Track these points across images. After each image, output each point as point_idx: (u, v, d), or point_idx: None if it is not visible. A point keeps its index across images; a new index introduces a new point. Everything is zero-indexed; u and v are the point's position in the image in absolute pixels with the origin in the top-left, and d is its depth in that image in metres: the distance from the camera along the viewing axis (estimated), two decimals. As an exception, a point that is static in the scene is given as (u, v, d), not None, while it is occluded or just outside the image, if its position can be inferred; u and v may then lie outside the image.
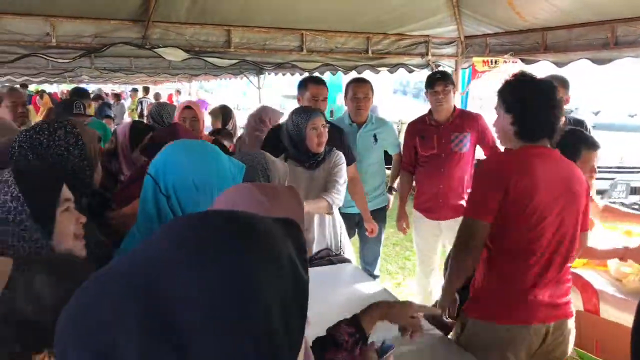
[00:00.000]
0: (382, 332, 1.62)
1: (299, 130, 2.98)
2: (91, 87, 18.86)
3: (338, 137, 3.41)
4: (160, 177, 1.47)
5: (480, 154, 3.93)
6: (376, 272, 4.08)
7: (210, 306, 0.49)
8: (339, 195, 3.02)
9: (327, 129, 3.02)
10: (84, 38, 3.98)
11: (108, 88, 19.71)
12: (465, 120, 3.77)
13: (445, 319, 2.28)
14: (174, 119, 3.67)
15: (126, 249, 1.50)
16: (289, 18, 4.67)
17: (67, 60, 4.15)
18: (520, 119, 2.10)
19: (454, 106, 3.84)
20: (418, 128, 3.93)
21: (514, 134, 2.14)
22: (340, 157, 3.14)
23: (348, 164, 3.26)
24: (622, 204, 5.37)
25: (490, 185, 2.09)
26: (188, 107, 3.72)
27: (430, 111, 3.86)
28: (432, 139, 3.76)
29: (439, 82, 3.71)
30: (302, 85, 3.70)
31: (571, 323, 2.19)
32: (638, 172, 6.41)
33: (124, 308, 0.48)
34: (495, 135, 3.70)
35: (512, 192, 2.02)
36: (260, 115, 4.23)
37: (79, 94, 5.53)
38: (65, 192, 1.36)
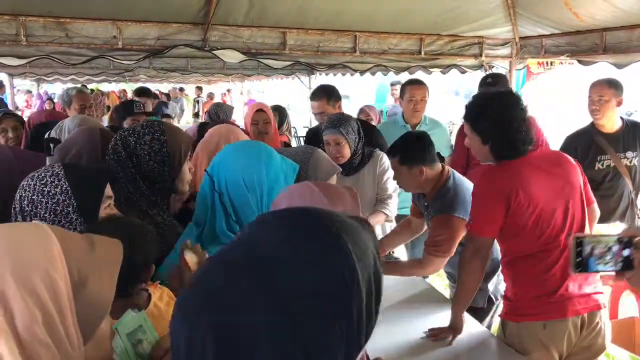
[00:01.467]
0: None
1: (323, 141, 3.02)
2: (149, 86, 19.46)
3: (370, 137, 3.33)
4: (214, 175, 1.58)
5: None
6: None
7: (322, 298, 0.57)
8: (394, 205, 3.05)
9: (343, 145, 2.90)
10: (147, 40, 4.19)
11: (164, 87, 20.29)
12: None
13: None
14: (245, 124, 3.75)
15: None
16: (342, 20, 4.75)
17: (132, 62, 4.36)
18: (494, 145, 2.14)
19: None
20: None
21: (493, 156, 2.18)
22: (386, 159, 3.03)
23: None
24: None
25: (491, 202, 2.11)
26: (260, 110, 3.66)
27: None
28: None
29: (487, 87, 3.73)
30: (402, 87, 3.91)
31: (605, 316, 2.18)
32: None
33: (253, 300, 0.55)
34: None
35: (513, 205, 2.06)
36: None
37: (143, 93, 5.73)
38: (108, 190, 1.47)
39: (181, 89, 16.37)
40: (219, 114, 4.02)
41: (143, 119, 3.90)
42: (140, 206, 1.71)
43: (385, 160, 3.07)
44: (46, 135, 2.62)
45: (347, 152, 2.95)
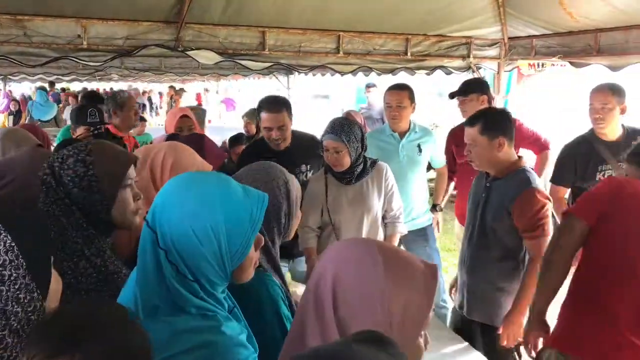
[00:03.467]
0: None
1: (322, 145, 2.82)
2: (121, 85, 19.02)
3: (313, 145, 3.17)
4: (157, 227, 1.15)
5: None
6: (440, 301, 3.61)
7: None
8: (403, 222, 2.99)
9: (342, 154, 2.71)
10: (115, 40, 3.88)
11: (140, 87, 19.81)
12: None
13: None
14: (169, 129, 3.55)
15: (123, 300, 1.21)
16: (325, 19, 4.49)
17: (98, 63, 4.03)
18: None
19: None
20: (456, 135, 3.73)
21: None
22: (389, 172, 2.94)
23: None
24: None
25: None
26: (185, 116, 3.59)
27: None
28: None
29: (458, 93, 3.66)
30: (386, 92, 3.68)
31: None
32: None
33: None
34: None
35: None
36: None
37: (91, 99, 5.16)
38: (131, 171, 1.50)
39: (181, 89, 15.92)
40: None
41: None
42: (76, 244, 1.40)
43: (390, 174, 2.93)
44: None
45: (346, 162, 2.74)
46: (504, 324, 2.50)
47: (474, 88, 3.74)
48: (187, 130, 3.48)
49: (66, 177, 1.43)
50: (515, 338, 2.49)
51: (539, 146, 3.72)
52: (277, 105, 3.06)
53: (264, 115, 3.06)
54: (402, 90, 3.61)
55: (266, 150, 3.08)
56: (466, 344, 2.30)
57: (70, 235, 1.40)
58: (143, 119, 8.23)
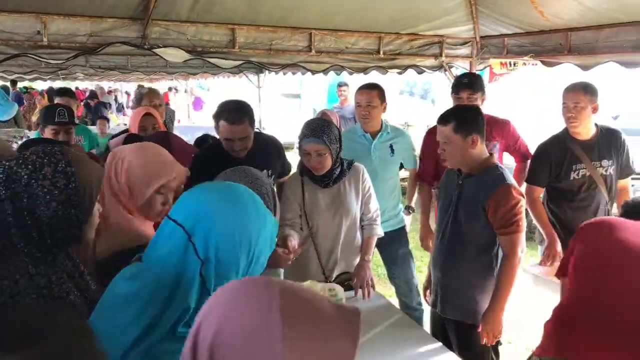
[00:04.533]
0: None
1: (299, 149, 2.70)
2: (86, 84, 18.58)
3: (274, 148, 3.15)
4: (198, 234, 1.07)
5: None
6: (415, 304, 3.62)
7: None
8: (380, 223, 2.91)
9: (325, 157, 2.62)
10: (78, 37, 3.70)
11: (107, 86, 19.36)
12: (494, 127, 3.44)
13: None
14: (133, 128, 3.44)
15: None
16: (296, 16, 4.39)
17: (60, 61, 3.85)
18: None
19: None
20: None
21: None
22: (366, 174, 2.87)
23: (285, 174, 3.22)
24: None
25: None
26: (148, 114, 3.46)
27: None
28: None
29: (464, 89, 3.38)
30: (356, 91, 3.58)
31: None
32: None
33: None
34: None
35: None
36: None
37: (62, 95, 4.92)
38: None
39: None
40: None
41: (67, 129, 3.44)
42: (22, 261, 1.27)
43: (367, 175, 2.86)
44: None
45: (328, 164, 2.66)
46: (483, 322, 2.50)
47: (480, 85, 3.51)
48: (152, 129, 3.35)
49: (40, 188, 1.28)
50: (495, 336, 2.50)
51: (522, 155, 3.62)
52: (239, 115, 2.75)
53: (224, 125, 2.75)
54: (372, 90, 3.54)
55: (224, 156, 2.79)
56: (440, 344, 2.26)
57: (18, 251, 1.27)
58: (106, 119, 8.01)
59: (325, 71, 5.06)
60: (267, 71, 8.82)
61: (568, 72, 4.40)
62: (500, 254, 2.54)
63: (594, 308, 2.03)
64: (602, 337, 1.95)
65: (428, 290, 2.96)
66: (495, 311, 2.47)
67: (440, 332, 2.75)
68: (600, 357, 1.94)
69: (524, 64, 4.66)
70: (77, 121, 3.91)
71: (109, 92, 18.56)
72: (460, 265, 2.62)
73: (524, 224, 2.50)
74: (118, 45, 3.88)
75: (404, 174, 3.97)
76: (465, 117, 2.55)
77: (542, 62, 4.59)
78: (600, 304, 2.01)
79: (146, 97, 3.99)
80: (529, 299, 3.48)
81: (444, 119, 2.56)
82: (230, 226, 1.09)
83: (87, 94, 15.70)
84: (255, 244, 1.12)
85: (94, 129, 8.00)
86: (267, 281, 0.78)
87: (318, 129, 2.61)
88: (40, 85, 15.94)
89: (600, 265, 2.09)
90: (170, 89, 19.24)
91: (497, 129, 3.47)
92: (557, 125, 3.43)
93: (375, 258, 3.71)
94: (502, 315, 2.48)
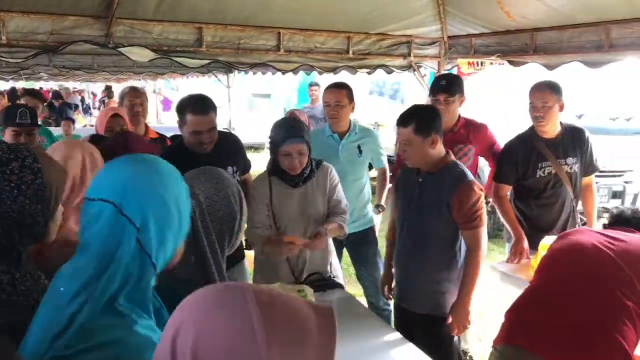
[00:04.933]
0: None
1: (274, 151, 2.65)
2: (51, 85, 18.15)
3: (237, 145, 3.15)
4: (128, 204, 1.10)
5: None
6: (382, 304, 3.59)
7: None
8: (347, 221, 2.86)
9: (305, 155, 2.62)
10: (38, 35, 3.59)
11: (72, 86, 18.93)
12: (471, 131, 3.47)
13: None
14: (100, 129, 3.38)
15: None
16: (265, 15, 4.35)
17: (19, 60, 3.73)
18: None
19: (459, 115, 3.52)
20: None
21: None
22: (334, 172, 2.86)
23: (247, 172, 3.24)
24: (605, 209, 5.24)
25: None
26: (116, 114, 3.40)
27: None
28: None
29: (441, 91, 3.38)
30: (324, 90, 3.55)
31: None
32: (620, 176, 6.33)
33: None
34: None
35: None
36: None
37: (29, 95, 4.81)
38: None
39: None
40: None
41: (29, 130, 3.32)
42: None
43: (335, 174, 2.86)
44: None
45: (304, 163, 2.65)
46: (452, 314, 2.59)
47: (458, 87, 3.48)
48: (120, 129, 3.27)
49: (6, 183, 1.27)
50: (464, 326, 2.60)
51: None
52: (205, 106, 2.74)
53: (191, 117, 2.70)
54: (341, 89, 3.53)
55: (187, 154, 2.74)
56: (410, 343, 2.30)
57: None
58: (71, 120, 7.84)
59: (294, 71, 5.03)
60: (236, 71, 8.76)
61: (534, 71, 4.47)
62: (463, 247, 2.64)
63: (542, 295, 2.15)
64: (549, 321, 2.02)
65: (386, 287, 3.01)
66: (463, 303, 2.57)
67: (404, 327, 2.77)
68: (548, 342, 1.98)
69: (491, 63, 4.72)
70: (39, 122, 3.80)
71: (74, 92, 18.17)
72: (426, 261, 2.68)
73: (485, 217, 2.60)
74: (81, 44, 3.78)
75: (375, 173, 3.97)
76: (424, 118, 2.60)
77: (509, 61, 4.65)
78: (547, 292, 2.14)
79: (127, 96, 3.90)
80: (496, 296, 3.51)
81: (403, 121, 2.60)
82: (156, 188, 1.14)
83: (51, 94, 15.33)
84: (179, 200, 1.17)
85: (58, 130, 7.82)
86: (241, 287, 0.77)
87: (296, 128, 2.61)
88: (3, 86, 15.50)
89: (551, 258, 2.27)
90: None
91: (474, 132, 3.48)
92: (524, 124, 3.47)
93: (345, 257, 3.72)
94: (469, 306, 2.58)
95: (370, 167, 3.79)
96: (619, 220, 2.36)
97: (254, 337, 0.71)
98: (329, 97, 3.53)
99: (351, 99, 3.55)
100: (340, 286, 2.80)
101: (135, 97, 3.89)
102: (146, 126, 3.97)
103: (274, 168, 2.71)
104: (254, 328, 0.71)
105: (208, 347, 0.72)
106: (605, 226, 2.40)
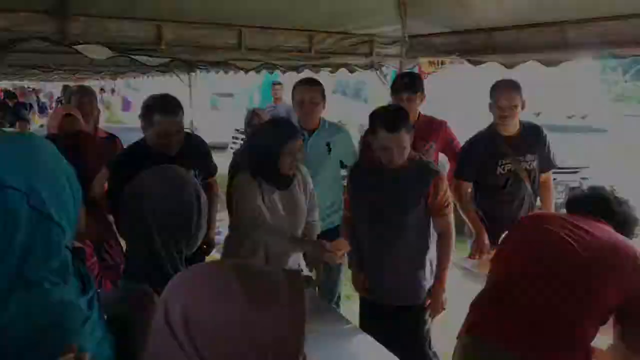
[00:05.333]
0: None
1: (269, 153, 2.59)
2: (5, 84, 17.58)
3: (203, 149, 3.15)
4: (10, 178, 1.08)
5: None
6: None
7: None
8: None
9: (302, 151, 2.73)
10: (-13, 32, 3.45)
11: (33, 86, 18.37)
12: (432, 128, 3.52)
13: None
14: (51, 129, 3.31)
15: None
16: (225, 12, 4.28)
17: (-33, 58, 3.59)
18: None
19: (419, 113, 3.55)
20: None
21: None
22: (308, 175, 2.90)
23: (212, 175, 3.21)
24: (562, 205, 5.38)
25: None
26: (69, 114, 3.32)
27: None
28: None
29: (404, 90, 3.46)
30: (293, 88, 3.54)
31: None
32: (576, 172, 6.52)
33: None
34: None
35: None
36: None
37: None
38: None
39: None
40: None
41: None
42: None
43: (309, 177, 2.93)
44: None
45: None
46: (431, 297, 2.78)
47: (420, 85, 3.57)
48: (73, 130, 3.19)
49: None
50: (442, 307, 2.81)
51: (457, 155, 3.70)
52: (174, 106, 2.68)
53: (159, 119, 2.63)
54: (316, 86, 3.54)
55: (148, 156, 2.59)
56: (369, 337, 2.41)
57: None
58: (26, 120, 7.60)
59: (256, 69, 4.99)
60: (198, 70, 8.64)
61: (493, 70, 4.54)
62: (433, 234, 2.81)
63: (503, 286, 2.20)
64: (510, 313, 2.08)
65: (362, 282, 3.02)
66: (442, 286, 2.78)
67: (373, 320, 2.87)
68: (508, 333, 2.03)
69: (451, 62, 4.77)
70: None
71: (29, 91, 17.64)
72: (401, 252, 2.79)
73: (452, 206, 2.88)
74: (35, 42, 3.66)
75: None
76: (408, 119, 2.75)
77: (468, 60, 4.71)
78: (508, 283, 2.18)
79: (75, 95, 3.87)
80: (459, 294, 3.55)
81: (395, 126, 2.65)
82: (35, 156, 1.14)
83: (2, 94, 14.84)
84: (59, 162, 1.19)
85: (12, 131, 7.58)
86: (220, 263, 1.04)
87: (295, 127, 2.67)
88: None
89: (512, 250, 2.33)
90: (102, 89, 18.53)
91: (435, 129, 3.54)
92: (483, 121, 3.53)
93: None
94: (444, 287, 2.82)
95: (344, 166, 3.77)
96: (578, 204, 2.34)
97: (240, 308, 0.84)
98: (304, 94, 3.50)
99: (324, 96, 3.56)
100: (310, 278, 2.84)
101: (84, 95, 3.82)
102: (95, 126, 3.91)
103: (260, 169, 2.65)
104: (240, 300, 0.84)
105: (195, 312, 0.85)
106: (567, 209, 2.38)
